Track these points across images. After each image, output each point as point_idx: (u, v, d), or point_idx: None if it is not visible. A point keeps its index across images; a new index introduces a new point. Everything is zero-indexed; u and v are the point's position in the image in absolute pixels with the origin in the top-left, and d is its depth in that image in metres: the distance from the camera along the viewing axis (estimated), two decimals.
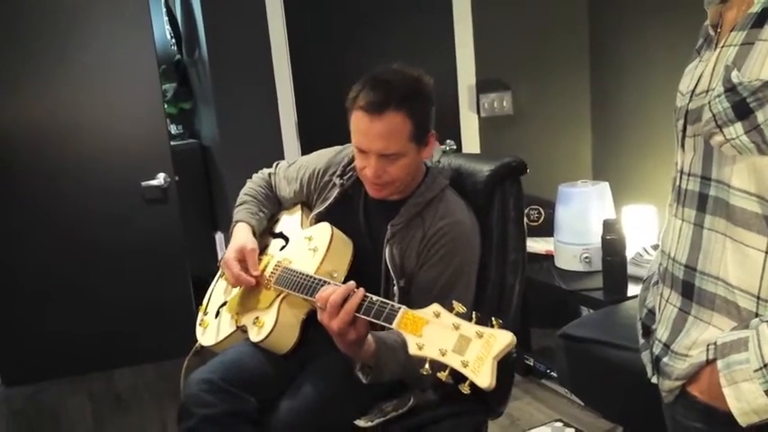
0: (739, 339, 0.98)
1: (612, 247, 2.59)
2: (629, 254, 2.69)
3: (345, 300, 1.37)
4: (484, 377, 1.12)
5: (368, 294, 1.41)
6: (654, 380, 1.18)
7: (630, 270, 2.64)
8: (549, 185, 3.13)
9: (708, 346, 1.03)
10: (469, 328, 1.18)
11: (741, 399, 0.97)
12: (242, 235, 1.80)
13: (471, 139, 3.43)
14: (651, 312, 1.23)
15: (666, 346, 1.12)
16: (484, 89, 3.39)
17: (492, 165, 1.76)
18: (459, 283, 1.61)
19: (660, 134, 3.11)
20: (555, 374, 2.83)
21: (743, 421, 0.97)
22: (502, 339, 1.14)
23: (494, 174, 1.74)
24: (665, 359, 1.12)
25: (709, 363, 1.02)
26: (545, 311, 2.97)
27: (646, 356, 1.23)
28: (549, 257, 3.08)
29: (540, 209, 3.25)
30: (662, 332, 1.15)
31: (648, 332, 1.22)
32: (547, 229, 3.16)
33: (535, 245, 3.16)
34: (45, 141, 3.14)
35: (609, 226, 2.61)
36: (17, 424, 3.01)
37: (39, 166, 3.16)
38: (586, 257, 2.87)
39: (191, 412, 1.55)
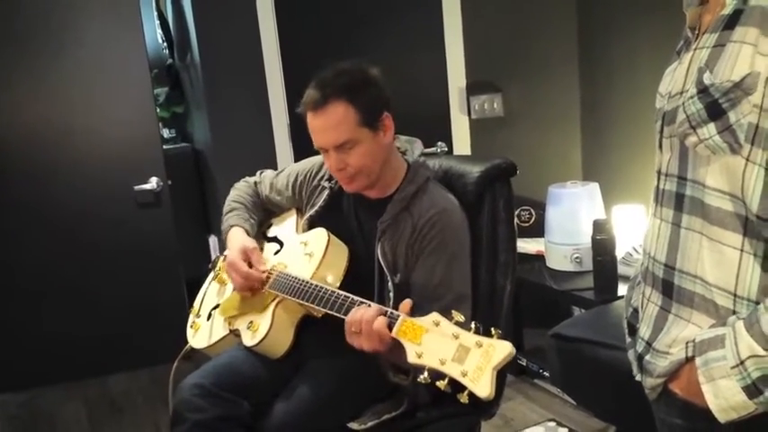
0: (716, 337, 0.99)
1: (603, 247, 2.61)
2: (620, 254, 2.71)
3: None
4: (483, 387, 1.13)
5: (364, 301, 1.42)
6: (638, 378, 1.19)
7: (621, 270, 2.65)
8: (539, 186, 3.15)
9: (687, 343, 1.04)
10: (469, 338, 1.19)
11: (719, 395, 0.98)
12: (240, 237, 1.81)
13: (462, 141, 3.44)
14: (636, 311, 1.24)
15: (649, 344, 1.14)
16: (474, 91, 3.40)
17: (482, 166, 1.78)
18: (455, 269, 1.62)
19: (649, 134, 3.09)
20: (547, 374, 2.85)
21: (721, 418, 0.99)
22: (501, 350, 1.16)
23: (484, 175, 1.76)
24: (648, 357, 1.13)
25: (689, 360, 1.04)
26: (537, 311, 2.98)
27: (631, 355, 1.24)
28: (539, 258, 3.09)
29: (531, 209, 3.27)
30: (644, 330, 1.16)
31: (634, 331, 1.24)
32: (537, 230, 3.18)
33: (526, 245, 3.17)
34: (37, 144, 3.12)
35: (599, 226, 2.63)
36: (12, 429, 3.00)
37: (30, 168, 3.14)
38: (577, 257, 2.89)
39: (183, 417, 1.56)
